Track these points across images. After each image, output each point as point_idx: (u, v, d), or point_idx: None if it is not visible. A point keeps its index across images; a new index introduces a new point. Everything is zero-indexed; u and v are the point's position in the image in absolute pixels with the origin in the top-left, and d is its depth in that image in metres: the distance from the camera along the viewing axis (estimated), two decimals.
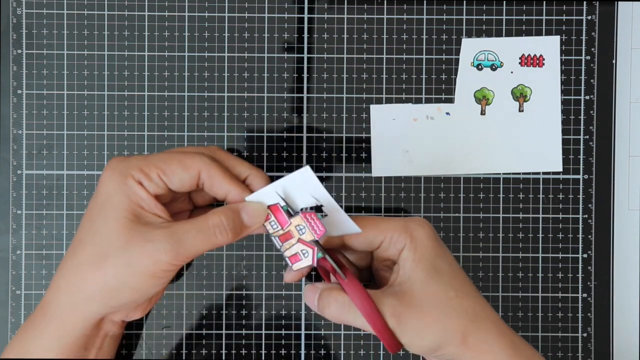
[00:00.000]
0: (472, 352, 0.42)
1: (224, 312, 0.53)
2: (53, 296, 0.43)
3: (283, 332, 0.53)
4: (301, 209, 0.43)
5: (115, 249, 0.40)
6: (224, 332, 0.53)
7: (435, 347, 0.42)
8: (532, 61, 0.53)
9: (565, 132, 0.54)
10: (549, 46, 0.53)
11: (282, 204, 0.43)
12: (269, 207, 0.43)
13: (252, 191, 0.44)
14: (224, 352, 0.53)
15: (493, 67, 0.53)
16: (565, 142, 0.54)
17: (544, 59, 0.53)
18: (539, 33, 0.54)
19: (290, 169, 0.53)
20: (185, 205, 0.47)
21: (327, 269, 0.44)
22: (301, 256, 0.43)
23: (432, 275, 0.43)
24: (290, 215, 0.43)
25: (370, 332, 0.45)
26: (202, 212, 0.46)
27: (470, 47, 0.53)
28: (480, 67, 0.53)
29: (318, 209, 0.43)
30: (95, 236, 0.41)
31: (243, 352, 0.53)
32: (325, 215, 0.44)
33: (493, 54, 0.53)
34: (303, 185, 0.42)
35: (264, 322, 0.53)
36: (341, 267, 0.44)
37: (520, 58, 0.53)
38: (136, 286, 0.41)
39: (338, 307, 0.43)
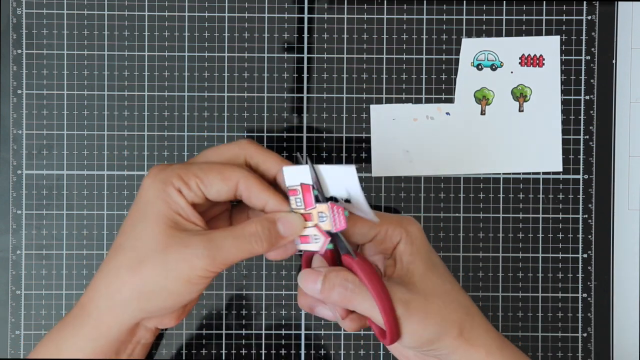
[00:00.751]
0: (466, 345, 0.43)
1: (224, 312, 0.53)
2: (91, 297, 0.43)
3: (283, 332, 0.53)
4: (331, 197, 0.43)
5: (153, 253, 0.41)
6: (224, 332, 0.53)
7: (434, 339, 0.43)
8: (532, 61, 0.53)
9: (565, 132, 0.54)
10: (549, 46, 0.53)
11: (314, 187, 0.43)
12: (301, 185, 0.43)
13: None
14: (224, 352, 0.53)
15: (493, 67, 0.53)
16: (565, 142, 0.54)
17: (544, 59, 0.53)
18: (539, 33, 0.54)
19: None
20: (225, 206, 0.47)
21: (334, 252, 0.44)
22: (312, 240, 0.43)
23: (429, 267, 0.44)
24: (317, 201, 0.43)
25: (369, 326, 0.44)
26: (240, 210, 0.47)
27: (470, 47, 0.53)
28: (480, 67, 0.53)
29: (346, 202, 0.43)
30: (134, 241, 0.42)
31: (243, 352, 0.53)
32: (348, 202, 0.44)
33: (493, 54, 0.53)
34: (342, 178, 0.42)
35: (264, 322, 0.53)
36: (353, 248, 0.43)
37: (520, 58, 0.53)
38: (172, 291, 0.41)
39: (346, 287, 0.42)
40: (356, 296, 0.42)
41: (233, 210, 0.48)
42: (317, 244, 0.43)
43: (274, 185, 0.44)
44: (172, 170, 0.42)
